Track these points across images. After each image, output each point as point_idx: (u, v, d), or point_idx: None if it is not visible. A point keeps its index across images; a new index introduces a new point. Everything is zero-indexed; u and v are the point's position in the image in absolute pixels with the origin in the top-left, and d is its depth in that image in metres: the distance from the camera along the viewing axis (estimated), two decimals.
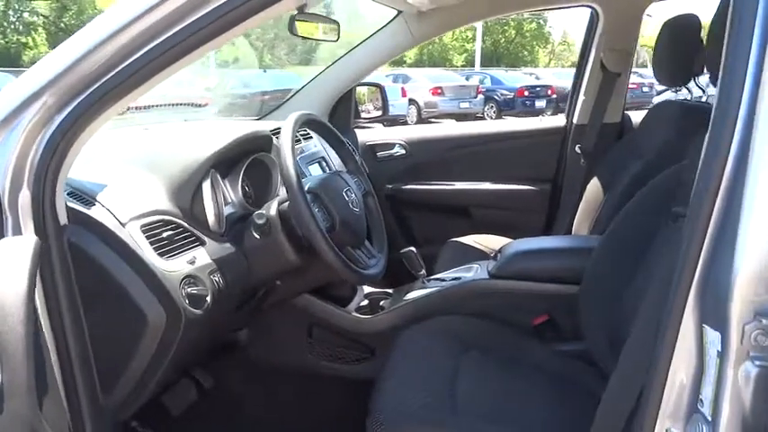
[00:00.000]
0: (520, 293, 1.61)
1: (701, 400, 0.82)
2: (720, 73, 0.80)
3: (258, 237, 1.34)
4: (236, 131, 1.41)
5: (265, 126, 1.67)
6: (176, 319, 1.10)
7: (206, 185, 1.28)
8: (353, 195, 1.44)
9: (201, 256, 1.21)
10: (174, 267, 1.13)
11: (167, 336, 1.10)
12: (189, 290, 1.13)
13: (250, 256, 1.35)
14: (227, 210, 1.38)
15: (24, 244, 0.85)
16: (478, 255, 2.07)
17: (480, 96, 13.83)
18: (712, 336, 0.79)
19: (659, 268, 1.14)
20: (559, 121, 2.41)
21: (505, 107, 14.18)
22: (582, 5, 2.24)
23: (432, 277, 1.80)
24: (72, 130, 0.97)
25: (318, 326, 1.76)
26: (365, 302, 1.83)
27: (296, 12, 1.65)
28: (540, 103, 14.06)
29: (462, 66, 28.62)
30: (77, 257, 1.03)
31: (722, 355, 0.77)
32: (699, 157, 1.25)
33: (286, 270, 1.39)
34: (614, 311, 1.38)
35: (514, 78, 15.74)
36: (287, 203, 1.36)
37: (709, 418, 0.79)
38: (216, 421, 1.66)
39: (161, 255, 1.12)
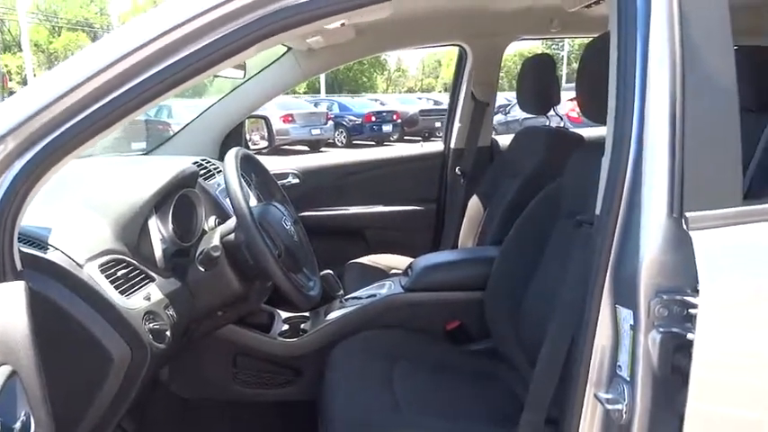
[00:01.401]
0: (432, 303, 1.79)
1: (620, 366, 1.04)
2: (613, 111, 1.04)
3: (203, 270, 1.37)
4: (171, 170, 1.44)
5: (188, 161, 1.69)
6: (142, 355, 1.11)
7: (152, 222, 1.30)
8: (289, 224, 1.53)
9: (155, 293, 1.22)
10: (134, 305, 1.14)
11: (132, 373, 1.11)
12: (151, 325, 1.14)
13: (194, 290, 1.37)
14: (162, 246, 1.40)
15: (14, 287, 0.85)
16: (379, 273, 2.23)
17: (330, 123, 14.17)
18: (625, 313, 1.01)
19: (561, 268, 1.38)
20: (438, 146, 2.67)
21: (354, 132, 14.69)
22: (452, 44, 2.52)
23: (348, 296, 1.92)
24: (33, 176, 0.96)
25: (243, 354, 1.79)
26: (285, 327, 1.90)
27: None
28: (387, 128, 14.76)
29: (305, 92, 28.94)
30: (37, 303, 1.01)
31: (634, 327, 0.99)
32: (576, 172, 1.53)
33: (229, 300, 1.43)
34: (517, 309, 1.61)
35: (361, 104, 16.31)
36: (231, 235, 1.41)
37: (628, 379, 1.01)
38: None
39: (121, 293, 1.13)
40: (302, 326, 1.89)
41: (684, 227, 0.95)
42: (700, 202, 0.96)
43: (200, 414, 1.79)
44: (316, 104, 15.45)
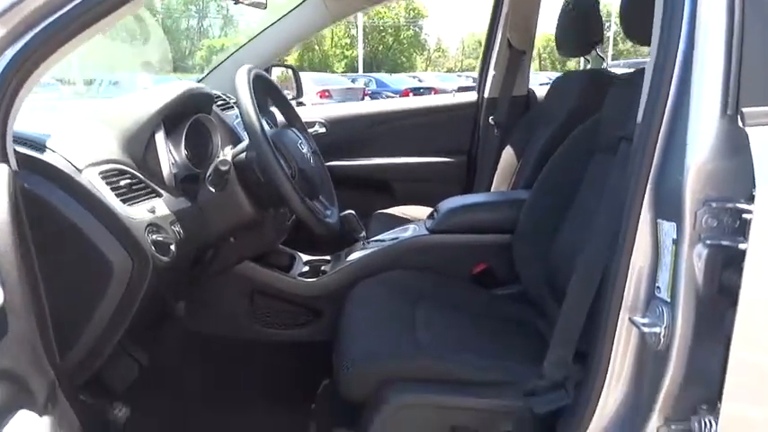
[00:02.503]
0: (458, 246, 1.70)
1: (658, 287, 0.94)
2: (660, 13, 0.93)
3: (213, 190, 1.32)
4: (181, 86, 1.38)
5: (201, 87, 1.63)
6: (144, 266, 1.06)
7: (159, 137, 1.24)
8: (306, 149, 1.46)
9: (160, 207, 1.17)
10: (136, 215, 1.08)
11: (133, 284, 1.06)
12: (154, 237, 1.09)
13: (206, 211, 1.32)
14: (173, 169, 1.34)
15: None
16: (405, 223, 2.15)
17: (367, 98, 14.07)
18: (667, 227, 0.91)
19: (596, 200, 1.28)
20: (471, 96, 2.55)
21: None
22: None
23: (371, 239, 1.85)
24: (26, 67, 0.91)
25: (261, 293, 1.74)
26: (306, 269, 1.85)
27: None
28: None
29: (343, 71, 28.92)
30: (33, 206, 0.96)
31: (677, 242, 0.89)
32: (617, 101, 1.42)
33: (242, 224, 1.37)
34: (548, 252, 1.51)
35: (398, 81, 16.18)
36: (242, 154, 1.35)
37: (668, 300, 0.91)
38: (162, 394, 1.60)
39: (122, 202, 1.08)
40: (323, 268, 1.83)
41: (740, 124, 0.84)
42: (759, 95, 0.85)
43: (215, 351, 1.76)
44: (353, 81, 15.38)
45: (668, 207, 0.91)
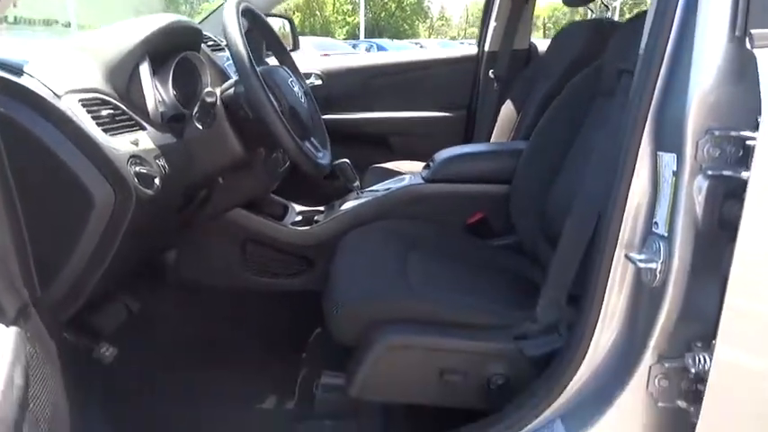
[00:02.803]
0: (454, 195, 1.67)
1: (656, 223, 0.91)
2: None
3: (201, 127, 1.27)
4: (167, 18, 1.32)
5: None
6: (126, 198, 1.02)
7: (144, 69, 1.19)
8: (297, 88, 1.41)
9: (144, 140, 1.13)
10: (118, 145, 1.04)
11: (115, 219, 1.02)
12: (137, 169, 1.05)
13: (193, 149, 1.27)
14: (160, 107, 1.30)
15: None
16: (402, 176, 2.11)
17: None
18: (667, 158, 0.87)
19: (595, 143, 1.24)
20: (472, 49, 2.49)
21: None
22: None
23: (365, 189, 1.81)
24: None
25: (253, 241, 1.72)
26: (299, 218, 1.82)
27: None
28: None
29: (345, 38, 28.50)
30: (9, 131, 0.93)
31: (677, 173, 0.86)
32: (621, 43, 1.37)
33: (230, 163, 1.33)
34: (544, 201, 1.48)
35: (400, 47, 15.92)
36: (231, 89, 1.30)
37: (665, 234, 0.88)
38: (149, 341, 1.58)
39: (104, 131, 1.03)
40: (316, 218, 1.80)
41: (748, 46, 0.80)
42: None
43: (207, 300, 1.74)
44: (354, 46, 15.14)
45: (669, 137, 0.88)
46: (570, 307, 1.14)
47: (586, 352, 0.99)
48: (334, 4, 32.34)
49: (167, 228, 1.37)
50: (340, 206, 1.77)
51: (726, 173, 0.83)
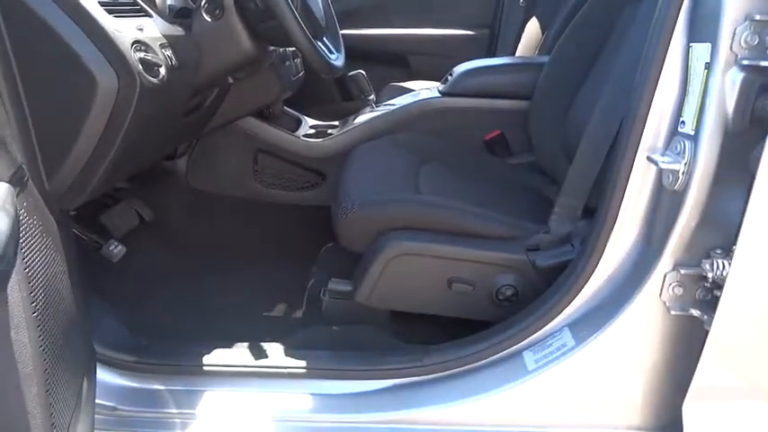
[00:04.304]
0: (472, 110, 1.61)
1: (683, 121, 0.85)
2: None
3: (210, 20, 1.22)
4: None
5: None
6: (130, 85, 0.98)
7: None
8: None
9: (149, 27, 1.07)
10: (121, 28, 0.99)
11: (119, 105, 0.98)
12: (141, 55, 1.00)
13: (201, 43, 1.22)
14: (169, 0, 1.24)
15: None
16: None
17: None
18: (700, 49, 0.81)
19: (621, 50, 1.16)
20: None
21: None
22: None
23: (380, 104, 1.76)
24: None
25: (264, 152, 1.68)
26: (312, 131, 1.78)
27: None
28: None
29: None
30: (9, 9, 0.89)
31: (710, 65, 0.79)
32: None
33: (240, 61, 1.28)
34: (566, 115, 1.42)
35: None
36: None
37: (692, 133, 0.83)
38: (159, 246, 1.58)
39: (106, 12, 0.98)
40: (329, 131, 1.76)
41: None
42: None
43: (217, 210, 1.73)
44: None
45: (704, 25, 0.81)
46: (585, 220, 1.10)
47: (599, 260, 0.96)
48: None
49: (177, 129, 1.33)
50: (354, 120, 1.73)
51: (763, 63, 0.76)
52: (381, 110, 1.69)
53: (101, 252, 1.31)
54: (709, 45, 0.79)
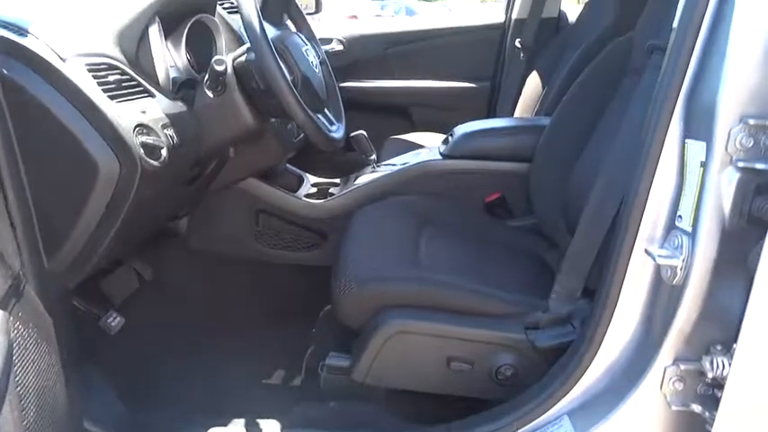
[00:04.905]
0: (472, 172, 1.61)
1: (680, 216, 0.85)
2: None
3: (212, 95, 1.23)
4: None
5: None
6: (131, 169, 0.99)
7: (153, 32, 1.15)
8: (312, 57, 1.36)
9: (152, 108, 1.09)
10: (124, 113, 1.01)
11: (121, 189, 1.00)
12: (143, 139, 1.02)
13: (203, 118, 1.23)
14: (172, 72, 1.26)
15: None
16: (420, 149, 2.06)
17: None
18: (696, 147, 0.81)
19: (620, 123, 1.17)
20: (498, 17, 2.39)
21: None
22: None
23: (381, 163, 1.76)
24: None
25: (266, 212, 1.69)
26: (313, 191, 1.78)
27: None
28: None
29: None
30: (12, 95, 0.90)
31: (706, 164, 0.79)
32: (653, 16, 1.28)
33: (241, 135, 1.29)
34: (566, 181, 1.42)
35: (430, 9, 15.57)
36: (243, 57, 1.25)
37: (689, 230, 0.82)
38: (159, 310, 1.58)
39: (110, 98, 1.00)
40: (330, 190, 1.76)
41: None
42: None
43: (218, 270, 1.73)
44: (382, 7, 14.84)
45: (699, 124, 0.81)
46: (585, 299, 1.09)
47: (599, 348, 0.94)
48: None
49: (177, 198, 1.34)
50: (355, 179, 1.73)
51: (759, 166, 0.76)
52: (382, 170, 1.69)
53: (98, 324, 1.30)
54: (704, 144, 0.79)
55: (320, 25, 2.46)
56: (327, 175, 1.91)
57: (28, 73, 0.92)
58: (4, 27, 0.94)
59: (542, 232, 1.49)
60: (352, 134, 1.68)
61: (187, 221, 1.68)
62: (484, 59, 2.36)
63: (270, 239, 1.71)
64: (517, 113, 2.16)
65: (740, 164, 0.77)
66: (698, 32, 0.80)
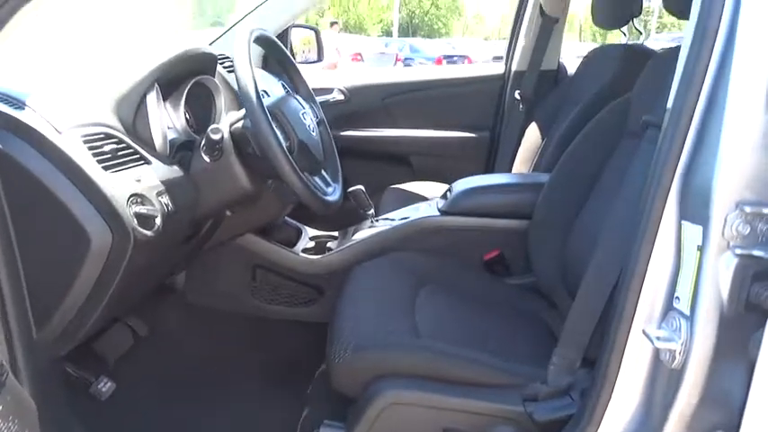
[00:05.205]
0: (471, 229, 1.61)
1: (678, 298, 0.83)
2: None
3: (208, 160, 1.24)
4: (181, 45, 1.29)
5: (205, 45, 1.54)
6: (124, 240, 0.99)
7: (151, 99, 1.16)
8: (309, 120, 1.37)
9: (148, 176, 1.09)
10: (118, 184, 1.01)
11: (112, 260, 0.99)
12: (137, 209, 1.02)
13: (199, 182, 1.24)
14: (170, 134, 1.27)
15: None
16: (419, 200, 2.05)
17: (399, 64, 13.81)
18: (692, 231, 0.80)
19: (618, 189, 1.17)
20: (498, 68, 2.41)
21: None
22: None
23: (380, 217, 1.76)
24: None
25: (263, 267, 1.68)
26: (311, 244, 1.78)
27: None
28: None
29: (379, 35, 28.47)
30: (7, 169, 0.91)
31: (702, 248, 0.78)
32: (650, 81, 1.29)
33: (237, 198, 1.29)
34: (565, 241, 1.41)
35: (432, 47, 15.84)
36: (240, 123, 1.26)
37: (687, 314, 0.81)
38: (154, 368, 1.56)
39: (105, 169, 1.00)
40: (328, 244, 1.76)
41: None
42: None
43: (214, 325, 1.71)
44: (386, 45, 15.10)
45: (696, 207, 0.80)
46: (584, 369, 1.07)
47: (599, 425, 0.92)
48: (369, 1, 32.26)
49: (171, 260, 1.34)
50: (353, 234, 1.73)
51: (756, 253, 0.75)
52: (380, 225, 1.69)
53: (89, 391, 1.28)
54: (700, 228, 0.78)
55: (322, 77, 2.49)
56: (326, 227, 1.91)
57: (24, 147, 0.93)
58: (3, 101, 0.95)
59: (541, 291, 1.48)
60: (350, 189, 1.68)
61: (184, 276, 1.67)
62: (484, 110, 2.38)
63: (267, 295, 1.70)
64: (516, 165, 2.17)
65: (737, 250, 0.76)
66: (692, 115, 0.80)
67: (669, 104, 0.86)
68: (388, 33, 27.21)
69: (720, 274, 0.78)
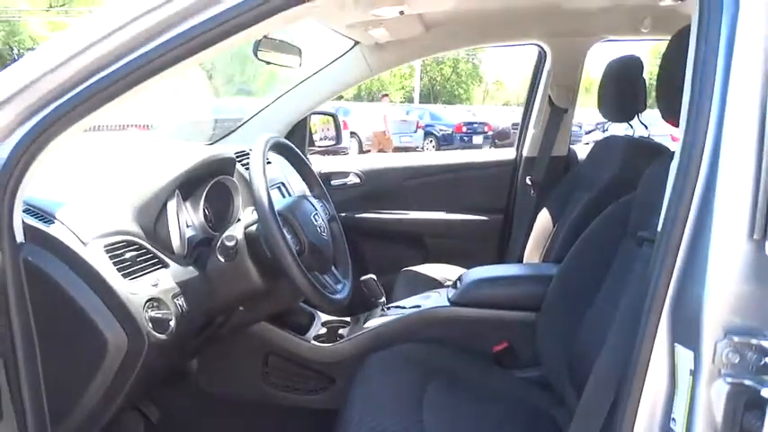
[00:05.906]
0: (480, 321, 1.63)
1: (674, 419, 0.84)
2: (687, 109, 0.86)
3: (223, 260, 1.30)
4: (202, 153, 1.38)
5: (228, 149, 1.64)
6: (139, 343, 1.05)
7: (171, 206, 1.24)
8: (321, 220, 1.43)
9: (165, 279, 1.16)
10: (137, 290, 1.08)
11: (128, 361, 1.05)
12: (152, 313, 1.08)
13: (214, 281, 1.30)
14: (188, 232, 1.34)
15: None
16: (433, 284, 2.08)
17: (420, 131, 14.10)
18: (685, 355, 0.82)
19: (621, 292, 1.19)
20: (510, 153, 2.48)
21: (444, 142, 14.56)
22: (530, 43, 2.34)
23: (391, 305, 1.79)
24: (35, 145, 0.93)
25: (275, 354, 1.71)
26: (323, 331, 1.80)
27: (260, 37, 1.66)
28: (478, 139, 14.49)
29: (400, 102, 29.22)
30: (34, 278, 0.97)
31: (695, 373, 0.80)
32: (650, 186, 1.33)
33: (250, 295, 1.35)
34: (572, 337, 1.42)
35: (452, 114, 16.18)
36: (254, 226, 1.33)
37: None
38: None
39: (124, 276, 1.07)
40: (340, 331, 1.78)
41: None
42: None
43: (226, 412, 1.73)
44: (407, 112, 15.46)
45: (687, 331, 0.82)
46: None
47: None
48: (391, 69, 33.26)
49: (183, 352, 1.38)
50: (365, 321, 1.76)
51: (747, 382, 0.76)
52: (391, 314, 1.71)
53: None
54: (692, 354, 0.80)
55: (338, 160, 2.58)
56: (338, 313, 1.94)
57: (51, 258, 1.00)
58: (33, 214, 1.03)
59: (549, 384, 1.48)
60: (363, 278, 1.72)
61: (197, 362, 1.71)
62: (497, 194, 2.44)
63: (279, 382, 1.72)
64: (529, 249, 2.20)
65: (728, 378, 0.77)
66: (679, 242, 0.83)
67: (659, 226, 0.89)
68: (410, 100, 27.89)
69: (713, 400, 0.79)
